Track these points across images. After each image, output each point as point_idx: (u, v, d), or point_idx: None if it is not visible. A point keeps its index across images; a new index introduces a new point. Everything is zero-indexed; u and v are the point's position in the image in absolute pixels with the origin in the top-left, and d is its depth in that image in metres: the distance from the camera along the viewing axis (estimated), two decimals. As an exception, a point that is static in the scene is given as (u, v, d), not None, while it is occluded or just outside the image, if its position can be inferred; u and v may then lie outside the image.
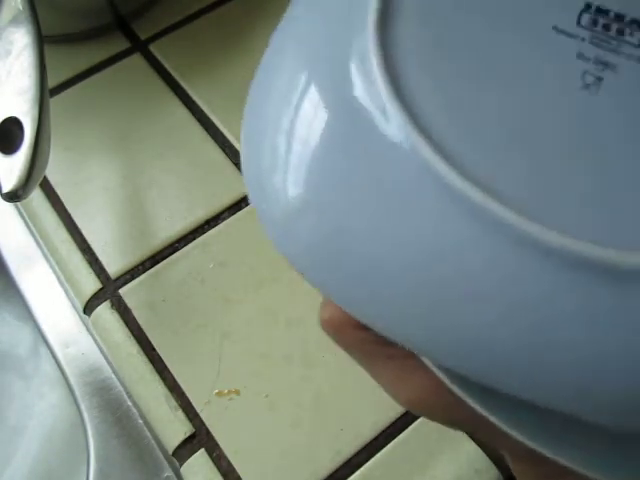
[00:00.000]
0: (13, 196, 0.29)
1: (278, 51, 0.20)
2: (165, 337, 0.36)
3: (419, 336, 0.16)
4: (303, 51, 0.18)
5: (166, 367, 0.35)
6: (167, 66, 0.47)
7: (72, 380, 0.38)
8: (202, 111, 0.45)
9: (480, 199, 0.14)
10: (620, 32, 0.18)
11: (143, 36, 0.49)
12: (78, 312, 0.39)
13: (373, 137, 0.16)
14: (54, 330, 0.39)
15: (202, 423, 0.34)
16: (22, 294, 0.41)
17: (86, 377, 0.38)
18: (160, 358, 0.36)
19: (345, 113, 0.16)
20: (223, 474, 0.33)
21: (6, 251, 0.42)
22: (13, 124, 0.30)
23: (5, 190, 0.29)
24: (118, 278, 0.38)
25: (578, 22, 0.18)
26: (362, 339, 0.19)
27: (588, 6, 0.18)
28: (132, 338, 0.36)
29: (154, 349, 0.36)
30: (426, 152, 0.15)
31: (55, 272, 0.41)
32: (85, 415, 0.36)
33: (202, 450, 0.33)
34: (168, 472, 0.34)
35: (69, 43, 0.48)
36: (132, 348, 0.36)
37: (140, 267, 0.39)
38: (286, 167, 0.17)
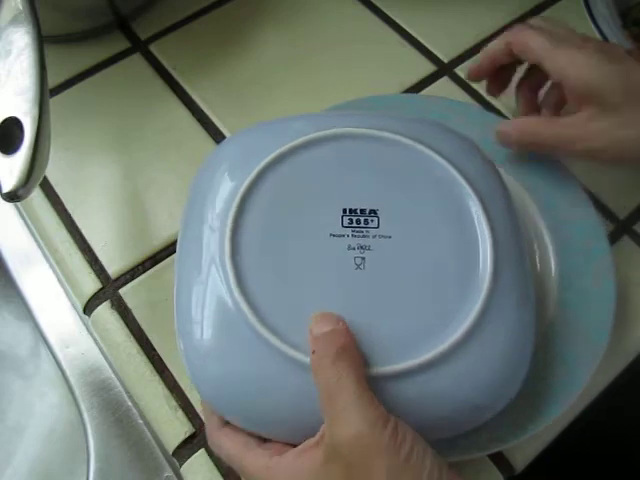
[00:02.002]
0: (13, 196, 0.29)
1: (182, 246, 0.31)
2: (165, 337, 0.36)
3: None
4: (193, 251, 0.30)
5: (166, 367, 0.35)
6: (167, 66, 0.47)
7: (72, 380, 0.38)
8: (202, 111, 0.45)
9: (275, 341, 0.26)
10: (366, 221, 0.29)
11: (143, 36, 0.49)
12: (78, 312, 0.39)
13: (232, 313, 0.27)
14: (54, 330, 0.39)
15: (202, 423, 0.34)
16: (22, 294, 0.41)
17: (86, 377, 0.38)
18: (160, 358, 0.36)
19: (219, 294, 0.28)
20: (223, 474, 0.33)
21: (6, 251, 0.42)
22: (13, 124, 0.30)
23: (5, 190, 0.29)
24: (118, 278, 0.38)
25: (342, 224, 0.29)
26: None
27: (345, 210, 0.29)
28: (132, 338, 0.36)
29: (154, 349, 0.36)
30: (250, 316, 0.26)
31: (55, 272, 0.41)
32: (85, 415, 0.36)
33: (202, 450, 0.33)
34: (168, 472, 0.34)
35: (69, 43, 0.48)
36: (132, 348, 0.36)
37: (140, 267, 0.39)
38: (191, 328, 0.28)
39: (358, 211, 0.29)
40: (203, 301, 0.28)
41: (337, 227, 0.29)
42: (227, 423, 0.28)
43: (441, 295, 0.28)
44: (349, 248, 0.28)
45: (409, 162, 0.30)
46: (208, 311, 0.27)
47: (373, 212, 0.29)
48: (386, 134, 0.31)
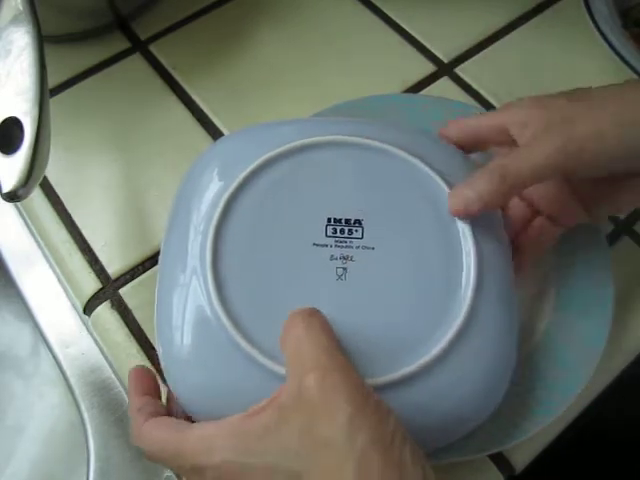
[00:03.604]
0: (13, 196, 0.29)
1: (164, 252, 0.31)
2: (165, 337, 0.36)
3: None
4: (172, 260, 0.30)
5: (166, 367, 0.35)
6: (167, 66, 0.47)
7: (72, 380, 0.38)
8: (202, 111, 0.45)
9: (252, 351, 0.26)
10: (350, 231, 0.29)
11: (143, 36, 0.49)
12: (78, 312, 0.39)
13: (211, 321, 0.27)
14: (54, 330, 0.39)
15: (202, 423, 0.34)
16: (22, 294, 0.41)
17: (86, 377, 0.38)
18: (160, 358, 0.36)
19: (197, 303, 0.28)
20: (223, 474, 0.33)
21: (6, 251, 0.42)
22: (13, 124, 0.30)
23: (5, 190, 0.29)
24: (118, 278, 0.38)
25: (326, 233, 0.29)
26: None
27: (329, 220, 0.29)
28: (132, 338, 0.36)
29: (154, 349, 0.36)
30: (227, 325, 0.26)
31: (55, 272, 0.41)
32: (85, 415, 0.36)
33: (202, 450, 0.33)
34: (168, 472, 0.34)
35: (69, 43, 0.48)
36: (132, 348, 0.36)
37: (140, 267, 0.39)
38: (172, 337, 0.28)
39: (343, 221, 0.29)
40: (183, 308, 0.27)
41: (321, 236, 0.28)
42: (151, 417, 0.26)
43: (423, 308, 0.27)
44: (331, 258, 0.28)
45: (397, 172, 0.30)
46: (188, 318, 0.27)
47: (358, 222, 0.29)
48: (375, 143, 0.30)
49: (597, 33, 0.42)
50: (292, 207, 0.29)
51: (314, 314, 0.25)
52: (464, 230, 0.29)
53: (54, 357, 0.39)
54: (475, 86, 0.45)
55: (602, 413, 0.35)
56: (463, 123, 0.32)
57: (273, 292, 0.27)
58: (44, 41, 0.33)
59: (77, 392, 0.37)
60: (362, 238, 0.29)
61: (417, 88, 0.46)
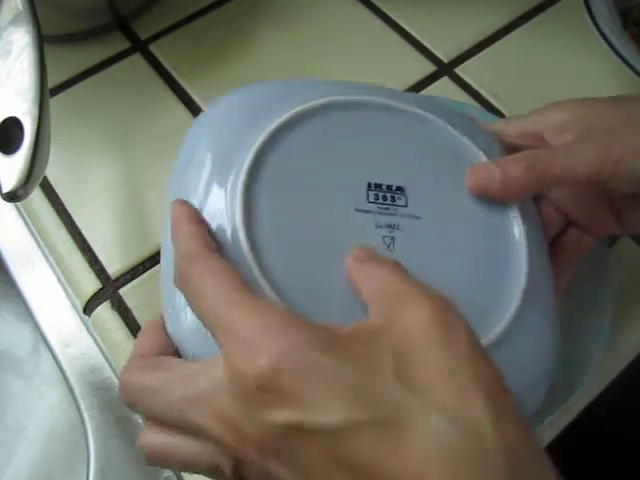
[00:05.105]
0: (13, 196, 0.29)
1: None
2: (165, 337, 0.36)
3: None
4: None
5: (166, 367, 0.35)
6: (167, 66, 0.47)
7: (72, 380, 0.38)
8: (201, 111, 0.45)
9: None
10: (392, 198, 0.26)
11: (143, 36, 0.49)
12: (78, 312, 0.39)
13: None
14: (54, 330, 0.39)
15: (202, 423, 0.34)
16: (22, 294, 0.41)
17: (86, 377, 0.38)
18: (160, 358, 0.36)
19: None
20: (223, 474, 0.33)
21: (6, 251, 0.42)
22: (13, 124, 0.30)
23: (5, 190, 0.29)
24: (118, 278, 0.38)
25: (367, 199, 0.26)
26: None
27: (369, 185, 0.26)
28: (132, 338, 0.36)
29: (154, 349, 0.36)
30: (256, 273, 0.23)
31: (55, 272, 0.41)
32: (85, 415, 0.36)
33: (202, 450, 0.33)
34: (168, 472, 0.34)
35: (69, 43, 0.48)
36: (132, 348, 0.36)
37: (140, 267, 0.38)
38: None
39: (384, 187, 0.26)
40: None
41: (363, 202, 0.25)
42: None
43: (473, 291, 0.25)
44: (377, 226, 0.25)
45: (441, 144, 0.28)
46: None
47: (400, 189, 0.26)
48: (418, 110, 0.28)
49: (597, 33, 0.42)
50: (328, 168, 0.26)
51: (398, 264, 0.22)
52: (514, 212, 0.27)
53: (54, 357, 0.39)
54: (475, 86, 0.45)
55: (602, 412, 0.35)
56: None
57: (317, 261, 0.24)
58: (44, 41, 0.33)
59: (77, 392, 0.37)
60: (407, 206, 0.26)
61: (417, 88, 0.46)
